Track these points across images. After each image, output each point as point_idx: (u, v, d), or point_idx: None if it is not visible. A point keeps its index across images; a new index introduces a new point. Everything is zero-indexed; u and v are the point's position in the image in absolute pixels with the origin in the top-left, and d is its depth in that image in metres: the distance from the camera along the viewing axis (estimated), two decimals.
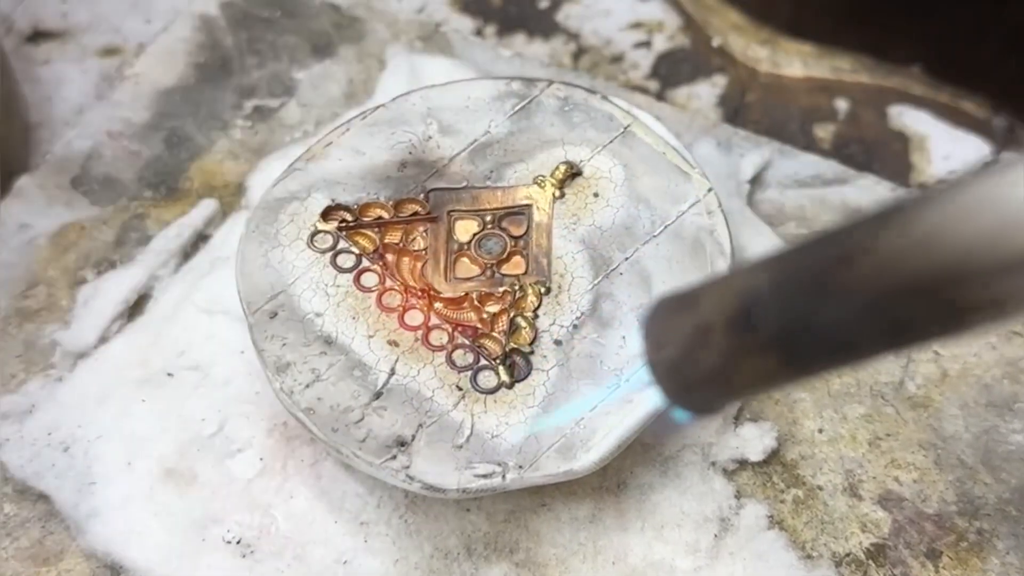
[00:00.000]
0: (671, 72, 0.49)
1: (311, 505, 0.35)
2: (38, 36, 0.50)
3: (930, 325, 0.14)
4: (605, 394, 0.33)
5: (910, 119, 0.47)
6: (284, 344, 0.34)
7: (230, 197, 0.43)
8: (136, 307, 0.40)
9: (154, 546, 0.34)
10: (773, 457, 0.37)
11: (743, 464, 0.37)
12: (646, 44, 0.50)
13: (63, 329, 0.39)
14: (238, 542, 0.34)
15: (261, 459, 0.36)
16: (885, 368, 0.39)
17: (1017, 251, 0.13)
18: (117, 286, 0.40)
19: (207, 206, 0.42)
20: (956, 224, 0.14)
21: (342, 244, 0.36)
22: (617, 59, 0.49)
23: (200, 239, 0.42)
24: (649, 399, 0.33)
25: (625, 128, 0.38)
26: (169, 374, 0.37)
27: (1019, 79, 0.46)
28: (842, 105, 0.48)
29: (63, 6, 0.51)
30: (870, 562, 0.35)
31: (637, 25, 0.50)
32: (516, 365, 0.34)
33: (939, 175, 0.46)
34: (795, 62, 0.49)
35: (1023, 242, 0.13)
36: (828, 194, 0.43)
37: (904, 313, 0.14)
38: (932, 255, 0.14)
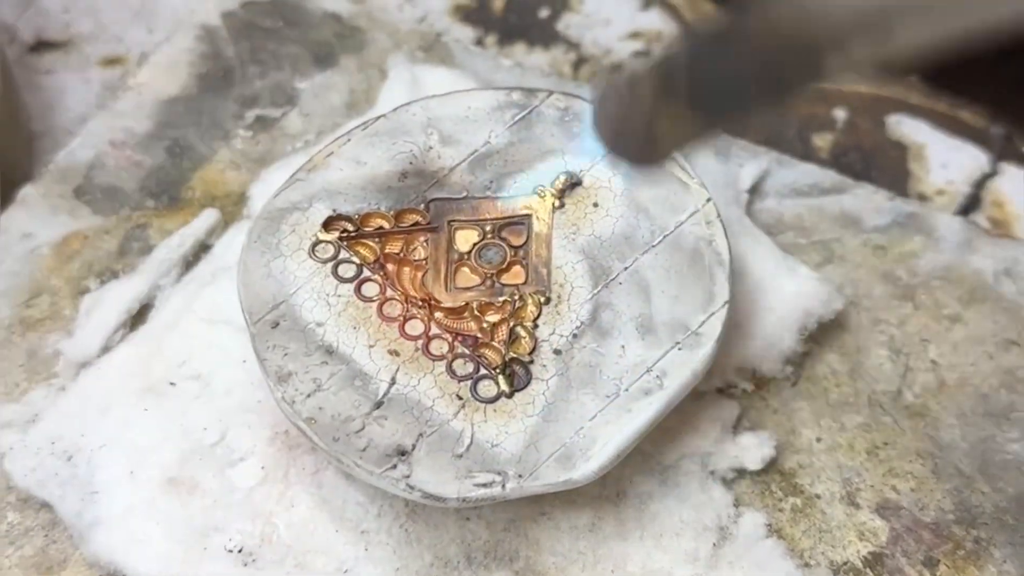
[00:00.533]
0: None
1: (312, 514, 0.35)
2: (41, 46, 0.50)
3: (802, 78, 0.19)
4: None
5: (908, 128, 0.48)
6: (286, 354, 0.34)
7: (232, 207, 0.43)
8: (138, 316, 0.40)
9: (156, 555, 0.34)
10: (771, 466, 0.37)
11: (741, 473, 0.37)
12: (645, 54, 0.50)
13: (66, 338, 0.39)
14: (240, 551, 0.35)
15: (263, 468, 0.36)
16: (883, 377, 0.39)
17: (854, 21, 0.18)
18: (119, 295, 0.40)
19: (209, 216, 0.42)
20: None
21: (343, 254, 0.36)
22: (617, 69, 0.49)
23: (202, 249, 0.42)
24: (648, 408, 0.33)
25: None
26: (171, 383, 0.38)
27: (1016, 89, 0.46)
28: (840, 114, 0.48)
29: (66, 16, 0.51)
30: (868, 570, 0.35)
31: (636, 35, 0.51)
32: (516, 374, 0.34)
33: (937, 184, 0.46)
34: None
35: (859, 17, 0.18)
36: (826, 203, 0.44)
37: (783, 68, 0.19)
38: (805, 23, 0.19)
